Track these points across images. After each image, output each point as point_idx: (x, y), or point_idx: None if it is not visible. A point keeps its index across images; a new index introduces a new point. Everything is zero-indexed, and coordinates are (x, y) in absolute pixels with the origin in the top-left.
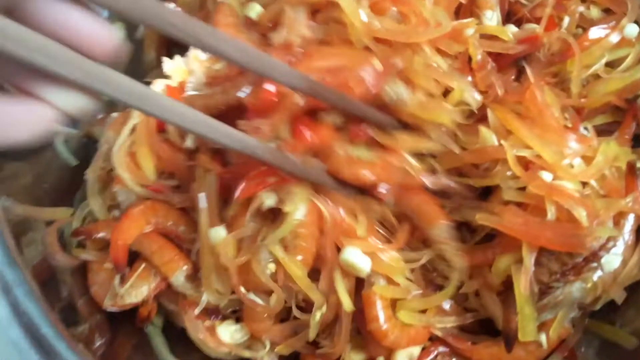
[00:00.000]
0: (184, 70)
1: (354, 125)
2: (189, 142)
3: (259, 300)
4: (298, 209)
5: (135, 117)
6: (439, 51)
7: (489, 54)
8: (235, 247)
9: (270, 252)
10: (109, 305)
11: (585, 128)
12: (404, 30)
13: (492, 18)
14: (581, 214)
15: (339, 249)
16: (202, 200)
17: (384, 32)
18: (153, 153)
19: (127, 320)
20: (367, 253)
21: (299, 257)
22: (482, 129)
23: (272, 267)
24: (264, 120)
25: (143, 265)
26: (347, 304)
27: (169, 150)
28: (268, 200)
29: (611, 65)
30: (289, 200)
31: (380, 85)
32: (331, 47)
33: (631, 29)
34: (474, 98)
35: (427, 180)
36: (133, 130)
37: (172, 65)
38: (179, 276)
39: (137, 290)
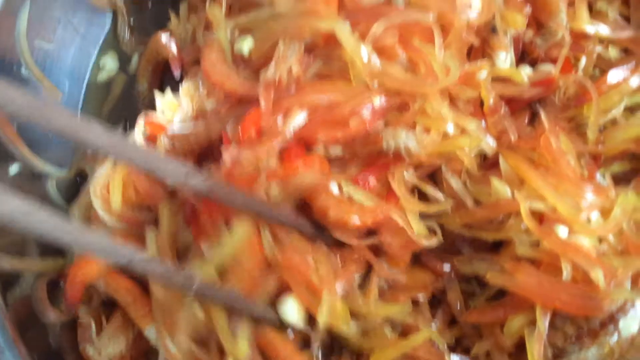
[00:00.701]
0: (175, 104)
1: (361, 170)
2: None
3: None
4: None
5: None
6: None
7: (502, 96)
8: None
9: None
10: (90, 354)
11: (602, 176)
12: (412, 81)
13: (505, 60)
14: (598, 275)
15: None
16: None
17: (392, 81)
18: (130, 185)
19: None
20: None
21: None
22: (494, 181)
23: None
24: (247, 151)
25: (120, 318)
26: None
27: (146, 184)
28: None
29: (630, 109)
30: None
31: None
32: (328, 82)
33: None
34: (488, 144)
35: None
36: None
37: (164, 100)
38: (151, 330)
39: (115, 342)
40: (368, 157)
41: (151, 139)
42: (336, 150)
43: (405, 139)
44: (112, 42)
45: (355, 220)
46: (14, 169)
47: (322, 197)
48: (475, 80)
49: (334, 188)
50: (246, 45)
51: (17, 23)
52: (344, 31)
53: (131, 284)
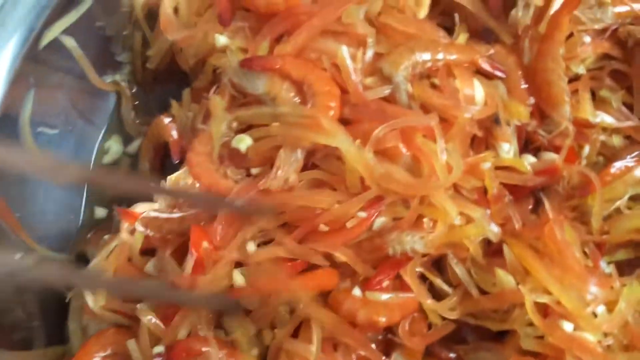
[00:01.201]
0: None
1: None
2: (149, 267)
3: None
4: None
5: (117, 240)
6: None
7: (505, 184)
8: None
9: None
10: None
11: (607, 264)
12: (415, 184)
13: (509, 151)
14: None
15: None
16: None
17: (395, 184)
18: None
19: None
20: None
21: None
22: (499, 272)
23: None
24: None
25: None
26: None
27: (135, 273)
28: None
29: (634, 198)
30: None
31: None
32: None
33: None
34: (493, 231)
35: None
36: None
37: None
38: None
39: None
40: (376, 260)
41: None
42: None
43: (411, 242)
44: (117, 125)
45: (384, 319)
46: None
47: (348, 302)
48: (479, 170)
49: (357, 291)
50: (244, 144)
51: (22, 112)
52: (346, 146)
53: None
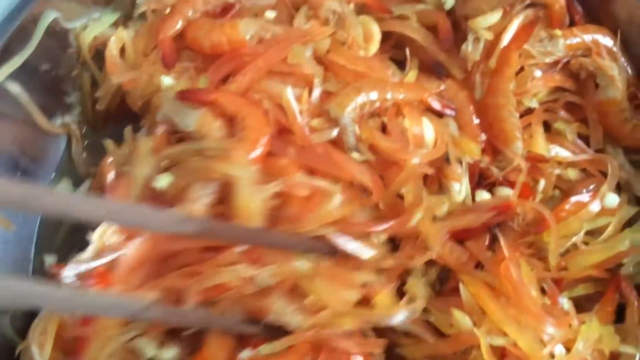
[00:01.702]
0: None
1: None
2: None
3: None
4: None
5: None
6: None
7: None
8: None
9: None
10: None
11: (565, 299)
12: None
13: (460, 191)
14: None
15: None
16: None
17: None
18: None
19: None
20: None
21: None
22: (455, 312)
23: None
24: None
25: None
26: None
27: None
28: None
29: (591, 233)
30: None
31: None
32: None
33: (611, 199)
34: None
35: None
36: None
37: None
38: None
39: None
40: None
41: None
42: None
43: (290, 316)
44: (67, 167)
45: None
46: None
47: None
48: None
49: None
50: (165, 180)
51: None
52: (243, 178)
53: None
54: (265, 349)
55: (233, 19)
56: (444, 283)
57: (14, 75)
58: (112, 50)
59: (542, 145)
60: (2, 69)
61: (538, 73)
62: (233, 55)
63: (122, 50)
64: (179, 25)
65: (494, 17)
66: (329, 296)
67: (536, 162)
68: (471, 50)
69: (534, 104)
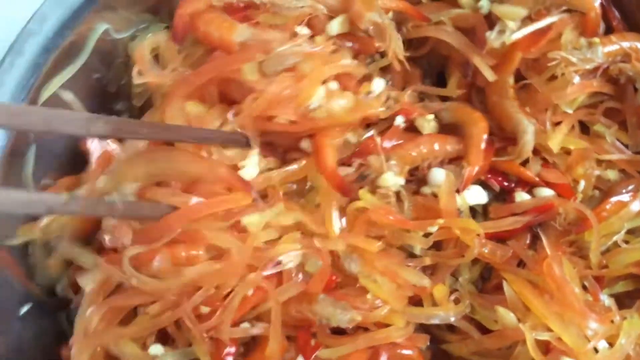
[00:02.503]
0: None
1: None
2: None
3: None
4: None
5: None
6: None
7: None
8: None
9: None
10: None
11: (606, 296)
12: None
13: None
14: None
15: None
16: None
17: None
18: None
19: None
20: None
21: None
22: (500, 310)
23: None
24: None
25: None
26: None
27: None
28: None
29: (632, 231)
30: None
31: None
32: None
33: None
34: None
35: None
36: None
37: None
38: None
39: None
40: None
41: None
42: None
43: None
44: None
45: None
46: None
47: None
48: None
49: None
50: None
51: (24, 168)
52: None
53: None
54: (326, 353)
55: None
56: (486, 281)
57: (67, 84)
58: (144, 50)
59: (556, 142)
60: (56, 78)
61: (577, 79)
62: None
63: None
64: (201, 4)
65: (523, 11)
66: (387, 295)
67: (576, 162)
68: (494, 38)
69: (569, 110)
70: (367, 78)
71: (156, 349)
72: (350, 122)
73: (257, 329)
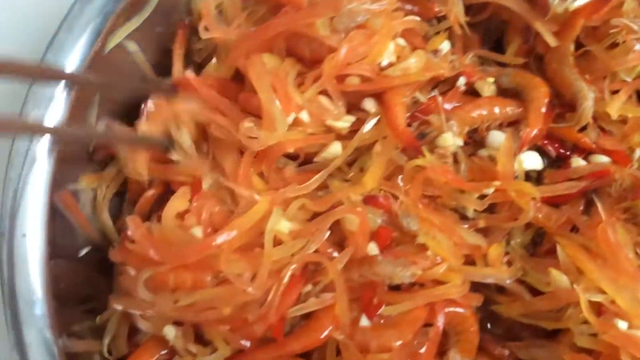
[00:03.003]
0: None
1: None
2: None
3: None
4: None
5: None
6: None
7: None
8: None
9: None
10: None
11: None
12: None
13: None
14: None
15: None
16: None
17: None
18: None
19: None
20: None
21: None
22: (553, 272)
23: None
24: None
25: None
26: None
27: None
28: None
29: None
30: None
31: None
32: None
33: None
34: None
35: None
36: None
37: None
38: None
39: None
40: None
41: None
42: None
43: (402, 276)
44: None
45: (396, 342)
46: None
47: (358, 335)
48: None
49: (364, 321)
50: None
51: (89, 114)
52: None
53: None
54: (388, 310)
55: None
56: (538, 245)
57: (132, 35)
58: (210, 5)
59: (615, 108)
60: (122, 28)
61: (638, 47)
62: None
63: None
64: None
65: None
66: (447, 252)
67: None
68: (557, 4)
69: (629, 77)
70: (426, 40)
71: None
72: (421, 80)
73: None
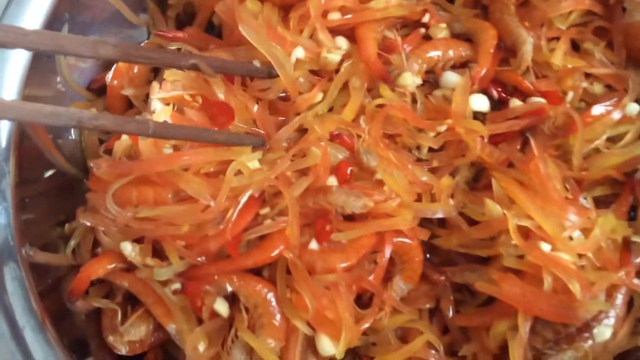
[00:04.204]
0: None
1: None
2: None
3: None
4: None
5: None
6: None
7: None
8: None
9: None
10: (111, 341)
11: (585, 199)
12: None
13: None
14: (575, 287)
15: None
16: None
17: None
18: None
19: None
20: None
21: (271, 342)
22: (488, 201)
23: None
24: None
25: (142, 309)
26: None
27: None
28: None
29: (612, 140)
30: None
31: None
32: None
33: (632, 108)
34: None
35: None
36: None
37: None
38: (172, 327)
39: (136, 330)
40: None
41: None
42: None
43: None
44: None
45: (342, 264)
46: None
47: (306, 256)
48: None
49: (314, 244)
50: None
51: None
52: None
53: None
54: (339, 236)
55: None
56: (477, 181)
57: None
58: None
59: (559, 58)
60: None
61: None
62: None
63: None
64: None
65: None
66: (402, 189)
67: (566, 74)
68: None
69: (563, 27)
70: None
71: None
72: (393, 17)
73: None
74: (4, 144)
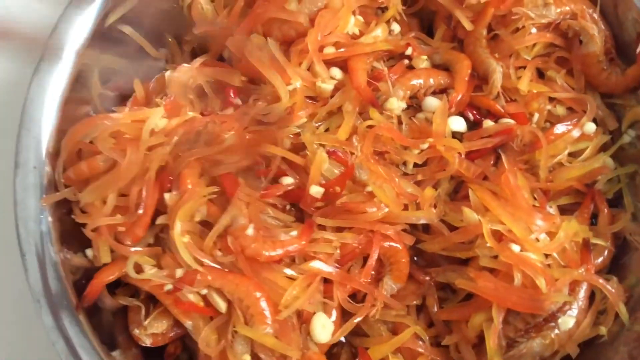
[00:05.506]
0: None
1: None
2: None
3: None
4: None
5: None
6: None
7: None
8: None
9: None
10: (137, 333)
11: (551, 207)
12: None
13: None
14: (541, 282)
15: None
16: None
17: None
18: None
19: (158, 356)
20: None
21: (264, 328)
22: (465, 209)
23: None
24: None
25: (163, 307)
26: None
27: None
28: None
29: (573, 155)
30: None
31: None
32: None
33: (590, 127)
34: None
35: None
36: None
37: None
38: (189, 323)
39: (159, 323)
40: None
41: None
42: None
43: None
44: None
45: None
46: None
47: (240, 239)
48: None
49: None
50: None
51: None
52: None
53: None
54: (321, 220)
55: None
56: (456, 193)
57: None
58: (200, 3)
59: (525, 84)
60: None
61: (534, 30)
62: None
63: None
64: None
65: None
66: (390, 200)
67: (532, 98)
68: None
69: (528, 57)
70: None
71: None
72: (381, 50)
73: None
74: None
